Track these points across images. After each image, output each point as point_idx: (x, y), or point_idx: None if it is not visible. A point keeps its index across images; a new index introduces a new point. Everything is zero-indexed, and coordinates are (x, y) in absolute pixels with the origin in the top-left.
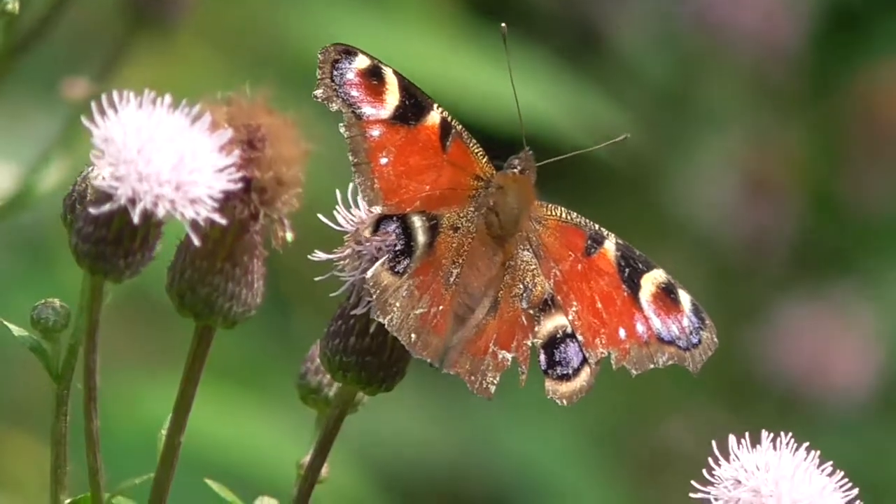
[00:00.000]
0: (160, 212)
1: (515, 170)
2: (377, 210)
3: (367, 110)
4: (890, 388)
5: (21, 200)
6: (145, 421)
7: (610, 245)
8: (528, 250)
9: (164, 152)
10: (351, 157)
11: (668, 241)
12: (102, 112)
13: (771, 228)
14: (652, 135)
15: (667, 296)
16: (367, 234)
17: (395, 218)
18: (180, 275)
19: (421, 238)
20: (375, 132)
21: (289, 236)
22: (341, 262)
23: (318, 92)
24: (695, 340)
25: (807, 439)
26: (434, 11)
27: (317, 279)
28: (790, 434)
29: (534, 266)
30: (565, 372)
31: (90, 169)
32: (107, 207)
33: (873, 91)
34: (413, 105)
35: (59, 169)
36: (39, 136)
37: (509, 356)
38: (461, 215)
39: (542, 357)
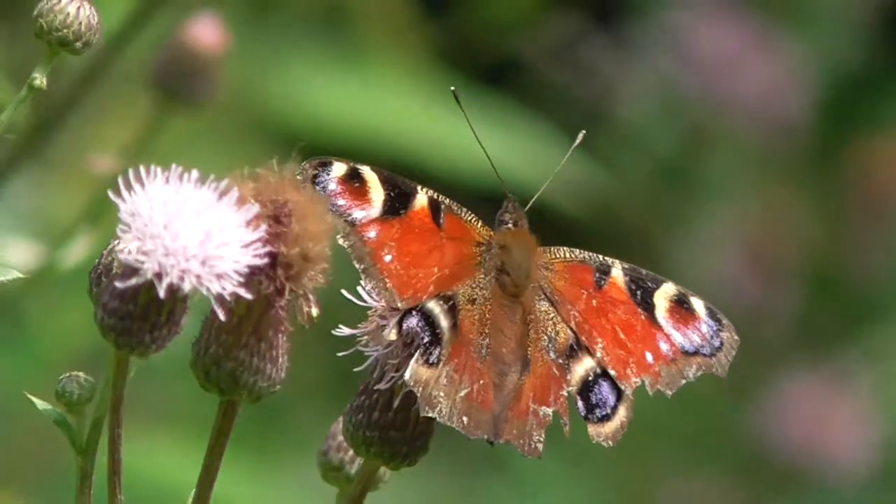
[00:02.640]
0: (186, 286)
1: (509, 224)
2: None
3: (358, 214)
4: (890, 459)
5: (45, 276)
6: (169, 493)
7: (617, 272)
8: (543, 299)
9: (190, 227)
10: (357, 265)
11: None
12: (129, 186)
13: (772, 299)
14: (655, 206)
15: (681, 307)
16: (392, 337)
17: (414, 311)
18: (205, 350)
19: (444, 323)
20: (372, 233)
21: (314, 312)
22: (365, 337)
23: None
24: (717, 344)
25: None
26: (419, 71)
27: (340, 354)
28: None
29: (552, 314)
30: (605, 413)
31: (116, 242)
32: (133, 282)
33: (876, 161)
34: (399, 195)
35: (84, 244)
36: (65, 211)
37: (550, 411)
38: (474, 286)
39: (580, 403)
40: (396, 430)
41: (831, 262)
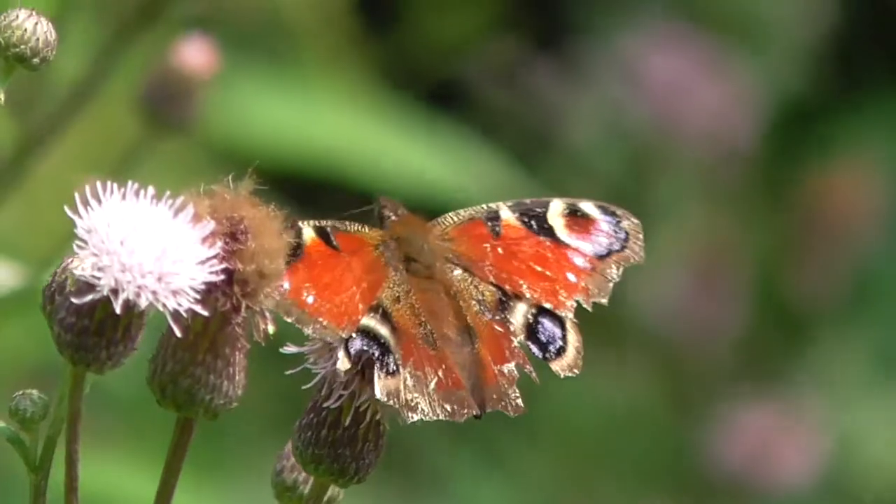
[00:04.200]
0: (143, 302)
1: (392, 216)
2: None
3: None
4: (833, 480)
5: (29, 297)
6: None
7: (506, 213)
8: (456, 268)
9: (146, 243)
10: (289, 319)
11: (616, 335)
12: (86, 202)
13: (719, 322)
14: None
15: (576, 217)
16: (346, 366)
17: (353, 336)
18: (162, 367)
19: (384, 331)
20: (285, 285)
21: (270, 329)
22: (313, 355)
23: None
24: (622, 236)
25: None
26: (362, 90)
27: (288, 372)
28: None
29: (470, 278)
30: (558, 346)
31: (70, 260)
32: (89, 297)
33: (823, 186)
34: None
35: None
36: (55, 231)
37: (512, 366)
38: (392, 285)
39: (534, 348)
40: (345, 447)
41: (778, 285)
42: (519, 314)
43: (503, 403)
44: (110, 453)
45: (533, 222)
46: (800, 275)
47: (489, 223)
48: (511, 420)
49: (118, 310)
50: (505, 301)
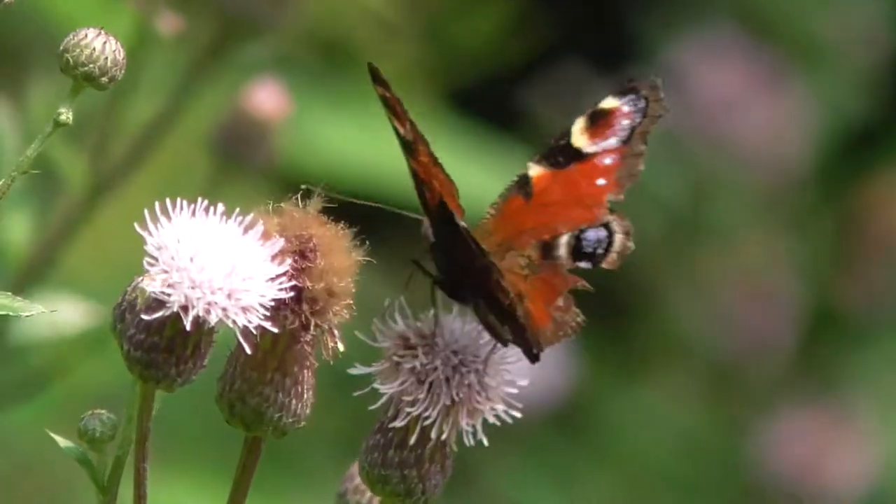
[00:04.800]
0: (213, 319)
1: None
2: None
3: None
4: (886, 491)
5: (99, 336)
6: None
7: (534, 168)
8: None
9: (216, 260)
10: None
11: (670, 349)
12: (156, 220)
13: (772, 338)
14: (659, 250)
15: (598, 119)
16: None
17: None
18: (230, 385)
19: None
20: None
21: (340, 347)
22: (380, 375)
23: None
24: (642, 105)
25: None
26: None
27: (356, 393)
28: None
29: (514, 255)
30: (605, 244)
31: (140, 279)
32: (159, 314)
33: (876, 203)
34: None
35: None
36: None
37: (562, 297)
38: None
39: (584, 264)
40: (411, 468)
41: (831, 299)
42: (562, 248)
43: (561, 334)
44: (177, 473)
45: (560, 157)
46: (852, 289)
47: (521, 191)
48: (573, 440)
49: (188, 326)
50: (548, 248)
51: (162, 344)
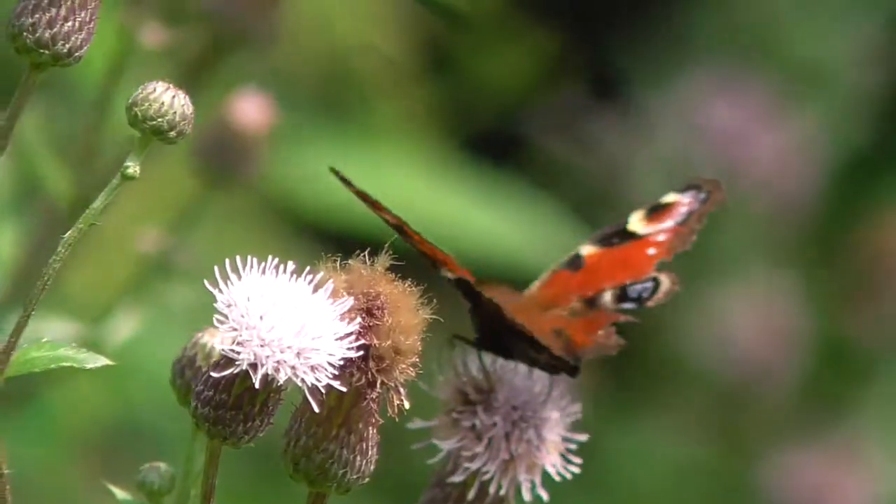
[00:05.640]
0: (282, 377)
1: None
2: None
3: None
4: None
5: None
6: None
7: (586, 248)
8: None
9: (286, 318)
10: None
11: (676, 379)
12: (226, 277)
13: (779, 369)
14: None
15: (658, 210)
16: None
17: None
18: (296, 441)
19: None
20: None
21: (406, 404)
22: (439, 431)
23: None
24: (703, 197)
25: None
26: (426, 148)
27: (414, 447)
28: None
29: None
30: (651, 289)
31: (200, 334)
32: (228, 371)
33: (882, 234)
34: None
35: (130, 322)
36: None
37: (604, 329)
38: None
39: (628, 305)
40: None
41: (838, 331)
42: (607, 298)
43: (602, 352)
44: None
45: (614, 239)
46: (860, 320)
47: (570, 267)
48: (576, 477)
49: (257, 384)
50: (591, 301)
51: (230, 401)
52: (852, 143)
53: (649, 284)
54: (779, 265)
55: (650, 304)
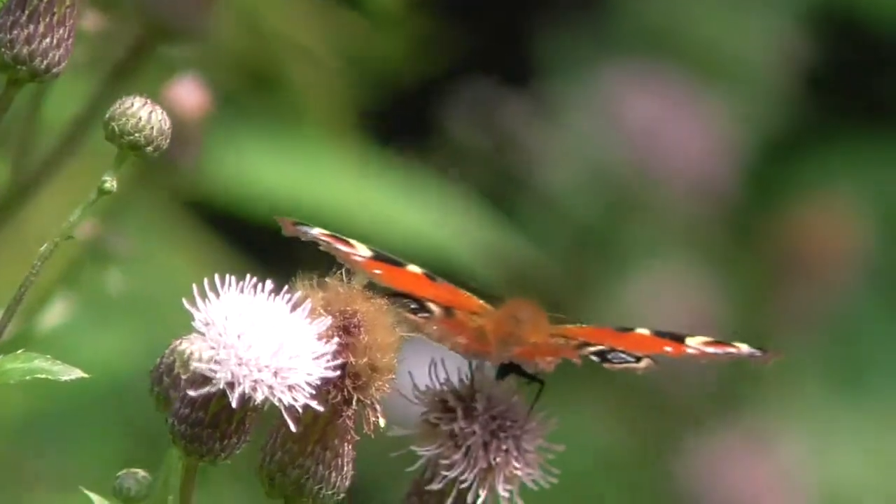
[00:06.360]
0: (259, 397)
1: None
2: None
3: None
4: None
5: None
6: None
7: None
8: None
9: (264, 338)
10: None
11: (591, 375)
12: (204, 295)
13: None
14: (575, 272)
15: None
16: None
17: None
18: (271, 457)
19: None
20: None
21: (381, 422)
22: (418, 438)
23: None
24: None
25: None
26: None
27: (393, 454)
28: None
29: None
30: (632, 361)
31: (178, 342)
32: (205, 390)
33: (799, 225)
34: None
35: (60, 310)
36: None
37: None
38: None
39: (606, 365)
40: None
41: (756, 321)
42: (594, 349)
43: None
44: None
45: (668, 336)
46: (776, 308)
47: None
48: None
49: (234, 403)
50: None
51: (207, 419)
52: (768, 132)
53: (630, 359)
54: (695, 255)
55: (627, 366)
